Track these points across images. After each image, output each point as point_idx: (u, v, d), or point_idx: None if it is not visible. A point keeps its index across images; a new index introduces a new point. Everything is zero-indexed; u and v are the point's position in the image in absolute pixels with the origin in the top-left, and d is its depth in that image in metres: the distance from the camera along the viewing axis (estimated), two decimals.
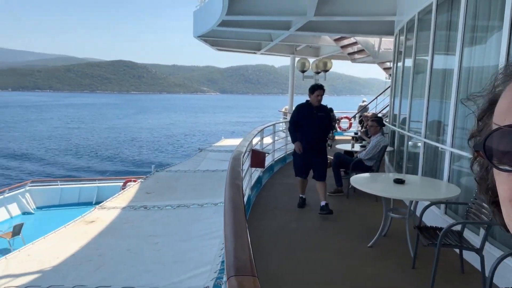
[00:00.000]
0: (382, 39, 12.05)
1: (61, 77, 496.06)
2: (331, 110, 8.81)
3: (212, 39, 13.77)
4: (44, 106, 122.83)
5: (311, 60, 15.21)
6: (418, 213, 4.00)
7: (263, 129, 7.27)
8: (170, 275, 3.92)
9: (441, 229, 3.31)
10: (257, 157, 5.23)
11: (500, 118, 0.47)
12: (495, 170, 0.46)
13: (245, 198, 5.43)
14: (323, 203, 5.19)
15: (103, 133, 51.85)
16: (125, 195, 7.07)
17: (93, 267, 4.13)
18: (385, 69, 14.38)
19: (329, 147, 7.56)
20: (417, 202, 4.14)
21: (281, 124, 12.90)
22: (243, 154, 3.78)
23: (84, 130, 54.84)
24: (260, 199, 6.12)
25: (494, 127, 0.47)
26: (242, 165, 3.40)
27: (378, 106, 18.41)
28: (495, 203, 0.48)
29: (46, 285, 3.63)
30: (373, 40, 12.60)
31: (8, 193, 14.29)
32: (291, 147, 6.93)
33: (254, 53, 16.34)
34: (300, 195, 5.62)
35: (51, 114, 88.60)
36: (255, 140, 6.39)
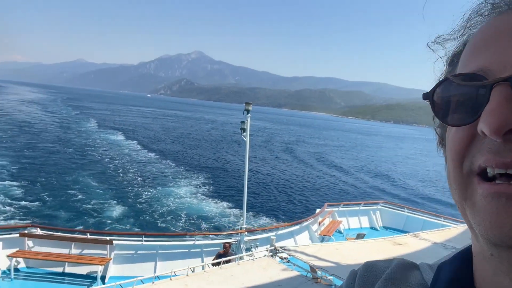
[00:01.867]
0: None
1: None
2: None
3: None
4: (404, 138, 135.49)
5: None
6: None
7: None
8: None
9: None
10: None
11: (461, 64, 0.43)
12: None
13: None
14: None
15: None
16: (445, 232, 6.57)
17: None
18: None
19: None
20: None
21: None
22: None
23: (421, 161, 58.56)
24: None
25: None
26: None
27: None
28: None
29: (332, 272, 4.26)
30: None
31: (363, 206, 16.81)
32: None
33: None
34: None
35: (404, 145, 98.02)
36: None
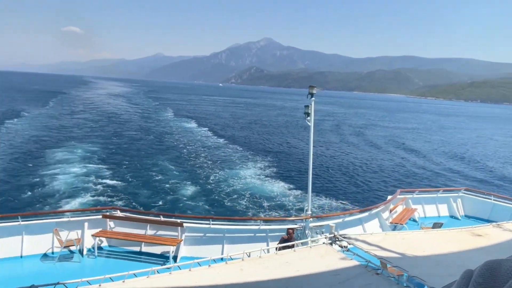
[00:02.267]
0: None
1: None
2: None
3: None
4: (489, 118, 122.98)
5: None
6: None
7: None
8: None
9: None
10: None
11: None
12: None
13: None
14: None
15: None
16: None
17: (446, 270, 3.88)
18: None
19: None
20: None
21: None
22: None
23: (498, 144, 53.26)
24: None
25: None
26: None
27: None
28: None
29: (396, 263, 3.91)
30: None
31: (441, 193, 15.46)
32: None
33: None
34: None
35: (488, 126, 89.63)
36: None
